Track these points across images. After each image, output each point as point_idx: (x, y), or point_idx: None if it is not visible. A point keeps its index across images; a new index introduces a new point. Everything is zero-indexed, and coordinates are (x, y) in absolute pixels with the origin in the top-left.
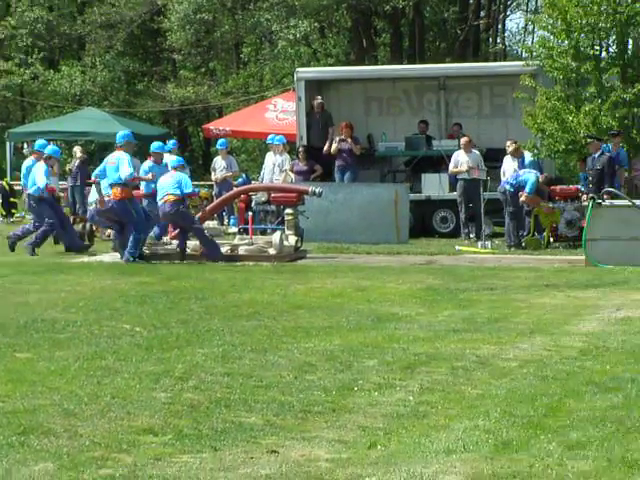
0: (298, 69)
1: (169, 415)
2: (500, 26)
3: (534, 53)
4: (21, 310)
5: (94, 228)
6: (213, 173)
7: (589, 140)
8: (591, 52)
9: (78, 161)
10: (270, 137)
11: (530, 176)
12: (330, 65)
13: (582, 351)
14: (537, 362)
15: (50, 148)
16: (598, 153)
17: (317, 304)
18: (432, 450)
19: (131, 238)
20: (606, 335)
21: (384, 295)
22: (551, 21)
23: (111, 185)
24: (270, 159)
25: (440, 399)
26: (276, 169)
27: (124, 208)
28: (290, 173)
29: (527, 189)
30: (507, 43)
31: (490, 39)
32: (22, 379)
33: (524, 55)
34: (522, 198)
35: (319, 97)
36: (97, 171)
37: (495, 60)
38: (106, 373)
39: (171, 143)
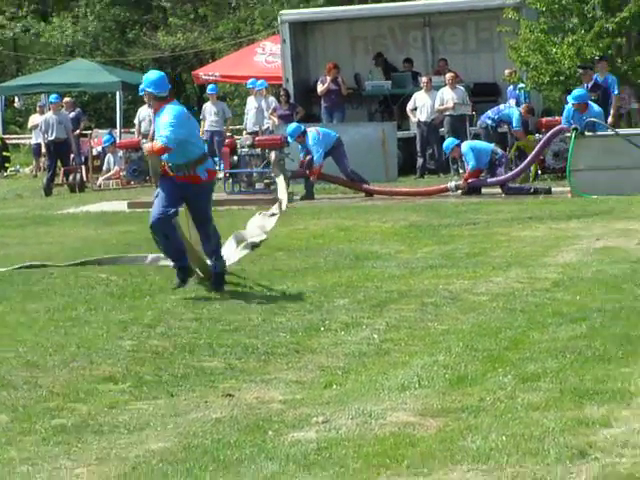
0: (282, 12)
1: (132, 363)
2: None
3: None
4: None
5: (85, 178)
6: (203, 120)
7: (581, 70)
8: None
9: (72, 112)
10: (251, 81)
11: (512, 110)
12: (320, 6)
13: (555, 282)
14: (508, 295)
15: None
16: (591, 83)
17: (297, 246)
18: (386, 387)
19: None
20: (581, 265)
21: (366, 234)
22: None
23: None
24: (252, 104)
25: (405, 336)
26: (266, 113)
27: None
28: (273, 117)
29: (514, 125)
30: None
31: None
32: None
33: None
34: (517, 135)
35: None
36: None
37: None
38: (75, 323)
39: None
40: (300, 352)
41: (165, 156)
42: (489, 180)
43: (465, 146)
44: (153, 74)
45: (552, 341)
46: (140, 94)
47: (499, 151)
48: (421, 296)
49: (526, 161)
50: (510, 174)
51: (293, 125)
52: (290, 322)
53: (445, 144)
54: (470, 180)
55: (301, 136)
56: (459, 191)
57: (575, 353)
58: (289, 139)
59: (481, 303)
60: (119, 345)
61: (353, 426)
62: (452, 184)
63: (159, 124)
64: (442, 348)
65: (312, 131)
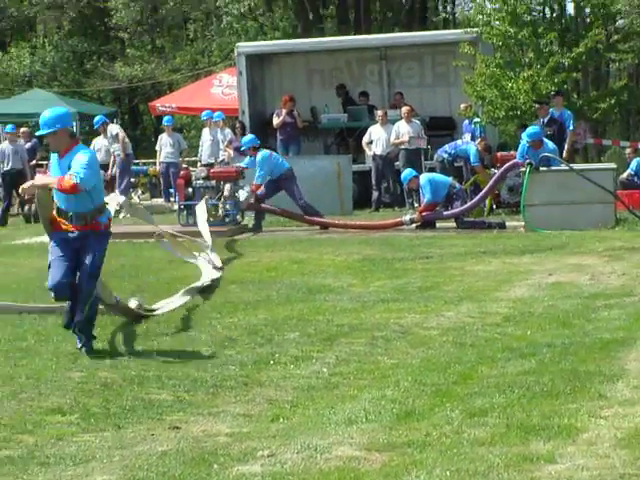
0: (238, 44)
1: (80, 394)
2: None
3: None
4: None
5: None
6: (158, 151)
7: (537, 105)
8: (528, 18)
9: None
10: (205, 113)
11: (470, 146)
12: (277, 39)
13: (506, 317)
14: (458, 330)
15: None
16: (547, 117)
17: (250, 278)
18: (333, 421)
19: None
20: (533, 300)
21: (319, 267)
22: None
23: None
24: (207, 135)
25: (354, 370)
26: (222, 145)
27: None
28: (229, 149)
29: (472, 160)
30: (456, 10)
31: (439, 7)
32: None
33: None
34: (476, 170)
35: None
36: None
37: (445, 28)
38: (25, 354)
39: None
40: (249, 385)
41: (65, 204)
42: (444, 213)
43: (423, 178)
44: (58, 110)
45: (501, 376)
46: (96, 126)
47: (457, 185)
48: (372, 330)
49: (480, 195)
50: (464, 207)
51: (251, 135)
52: (240, 355)
53: (403, 175)
54: (425, 213)
55: (253, 149)
56: (414, 224)
57: (523, 388)
58: (242, 147)
59: (431, 337)
60: (68, 377)
61: (298, 460)
62: (407, 217)
63: (73, 162)
64: (391, 382)
65: (266, 151)
